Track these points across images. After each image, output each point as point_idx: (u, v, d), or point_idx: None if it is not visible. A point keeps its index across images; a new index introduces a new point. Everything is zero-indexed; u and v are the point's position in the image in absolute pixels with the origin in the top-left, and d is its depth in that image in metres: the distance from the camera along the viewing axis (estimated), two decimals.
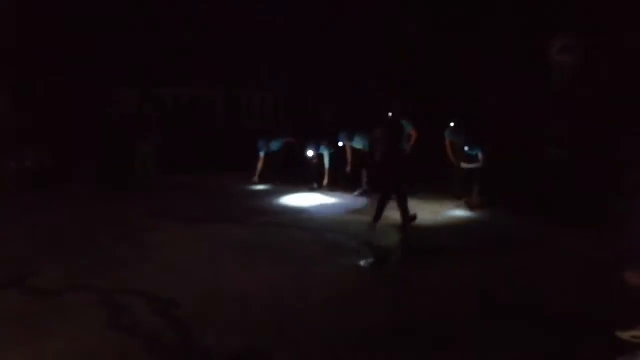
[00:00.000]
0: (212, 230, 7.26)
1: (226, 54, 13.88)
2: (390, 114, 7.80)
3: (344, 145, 10.05)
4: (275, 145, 11.07)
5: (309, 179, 10.53)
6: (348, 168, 10.06)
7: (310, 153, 10.46)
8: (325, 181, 10.28)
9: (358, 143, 9.89)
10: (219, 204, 9.27)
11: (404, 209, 7.05)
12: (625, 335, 3.76)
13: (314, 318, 4.27)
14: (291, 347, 3.76)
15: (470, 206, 8.40)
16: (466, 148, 8.53)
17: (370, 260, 5.76)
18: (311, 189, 10.31)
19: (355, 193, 9.78)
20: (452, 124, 9.07)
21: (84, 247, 6.36)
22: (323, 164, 10.30)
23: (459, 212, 8.31)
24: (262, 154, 10.98)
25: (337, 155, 10.29)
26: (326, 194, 9.91)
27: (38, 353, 3.64)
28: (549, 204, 7.95)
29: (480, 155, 8.34)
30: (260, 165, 11.01)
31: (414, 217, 7.26)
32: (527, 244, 6.61)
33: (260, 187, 10.81)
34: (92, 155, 11.74)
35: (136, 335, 3.91)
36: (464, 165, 8.64)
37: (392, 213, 7.25)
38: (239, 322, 4.18)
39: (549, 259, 6.00)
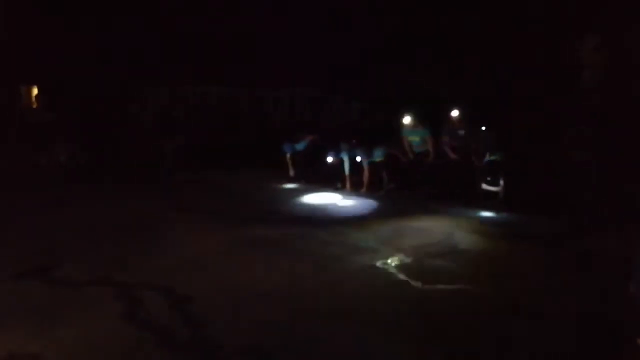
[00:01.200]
0: (233, 227, 7.30)
1: (255, 53, 13.99)
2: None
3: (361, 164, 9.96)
4: (300, 146, 11.12)
5: (333, 179, 10.51)
6: (364, 189, 9.93)
7: (330, 159, 10.42)
8: (347, 185, 10.22)
9: (379, 156, 9.85)
10: (242, 201, 9.34)
11: None
12: None
13: (326, 317, 4.25)
14: (300, 346, 3.76)
15: (493, 207, 8.25)
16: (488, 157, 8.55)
17: (389, 260, 5.71)
18: (335, 189, 10.28)
19: (381, 193, 9.72)
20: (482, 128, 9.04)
21: (106, 241, 6.51)
22: (344, 169, 10.24)
23: (483, 213, 8.15)
24: (288, 155, 11.09)
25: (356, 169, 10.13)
26: (350, 194, 9.86)
27: (52, 343, 3.74)
28: (572, 205, 7.75)
29: (501, 182, 8.42)
30: (290, 163, 11.14)
31: None
32: (547, 244, 6.47)
33: (285, 185, 10.85)
34: (121, 151, 12.01)
35: (149, 329, 3.98)
36: (484, 186, 8.64)
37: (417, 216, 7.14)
38: (251, 319, 4.20)
39: (569, 260, 5.87)
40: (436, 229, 7.18)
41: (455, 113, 9.44)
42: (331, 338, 3.87)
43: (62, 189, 10.19)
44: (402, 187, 9.81)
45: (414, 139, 9.78)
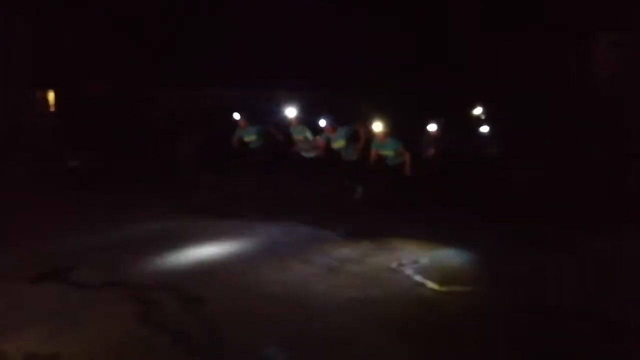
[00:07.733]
0: (247, 230, 7.30)
1: (270, 54, 13.98)
2: None
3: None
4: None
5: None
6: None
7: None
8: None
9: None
10: (257, 203, 9.31)
11: None
12: None
13: (339, 319, 4.22)
14: (313, 349, 3.73)
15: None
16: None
17: (403, 261, 5.69)
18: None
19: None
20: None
21: (121, 244, 6.53)
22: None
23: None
24: None
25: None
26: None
27: (69, 343, 3.76)
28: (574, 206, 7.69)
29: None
30: None
31: None
32: (529, 243, 6.51)
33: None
34: (136, 154, 12.05)
35: (164, 331, 3.97)
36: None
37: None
38: (265, 321, 4.17)
39: (552, 258, 5.90)
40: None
41: (433, 127, 9.35)
42: (346, 341, 3.84)
43: (76, 193, 10.25)
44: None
45: (387, 153, 8.99)
